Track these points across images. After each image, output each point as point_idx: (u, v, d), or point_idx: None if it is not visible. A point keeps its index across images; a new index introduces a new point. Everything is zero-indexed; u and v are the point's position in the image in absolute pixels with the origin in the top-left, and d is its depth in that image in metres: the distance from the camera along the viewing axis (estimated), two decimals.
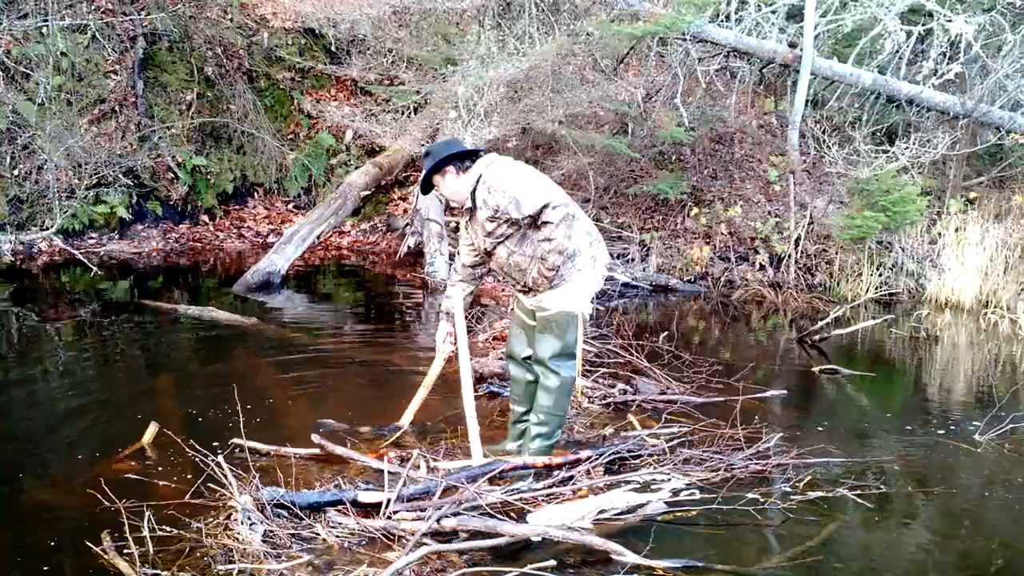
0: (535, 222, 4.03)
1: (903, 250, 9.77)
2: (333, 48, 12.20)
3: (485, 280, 5.02)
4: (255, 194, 11.90)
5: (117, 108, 10.61)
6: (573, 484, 4.09)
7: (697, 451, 4.58)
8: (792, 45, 10.86)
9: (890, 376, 7.18)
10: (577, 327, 4.29)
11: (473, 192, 4.16)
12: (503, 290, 8.08)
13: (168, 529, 3.47)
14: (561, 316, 4.21)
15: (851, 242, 9.48)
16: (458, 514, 3.58)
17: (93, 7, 10.68)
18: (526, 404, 4.49)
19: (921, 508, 4.32)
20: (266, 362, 6.45)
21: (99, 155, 9.92)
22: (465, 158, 4.21)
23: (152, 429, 4.49)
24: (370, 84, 11.69)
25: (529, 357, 4.41)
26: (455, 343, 4.58)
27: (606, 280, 4.55)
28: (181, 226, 10.97)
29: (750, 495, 4.11)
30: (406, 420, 4.83)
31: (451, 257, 9.61)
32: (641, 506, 3.90)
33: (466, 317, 4.72)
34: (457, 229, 10.78)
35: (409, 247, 10.28)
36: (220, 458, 3.76)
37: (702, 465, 4.41)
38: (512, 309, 4.60)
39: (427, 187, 4.36)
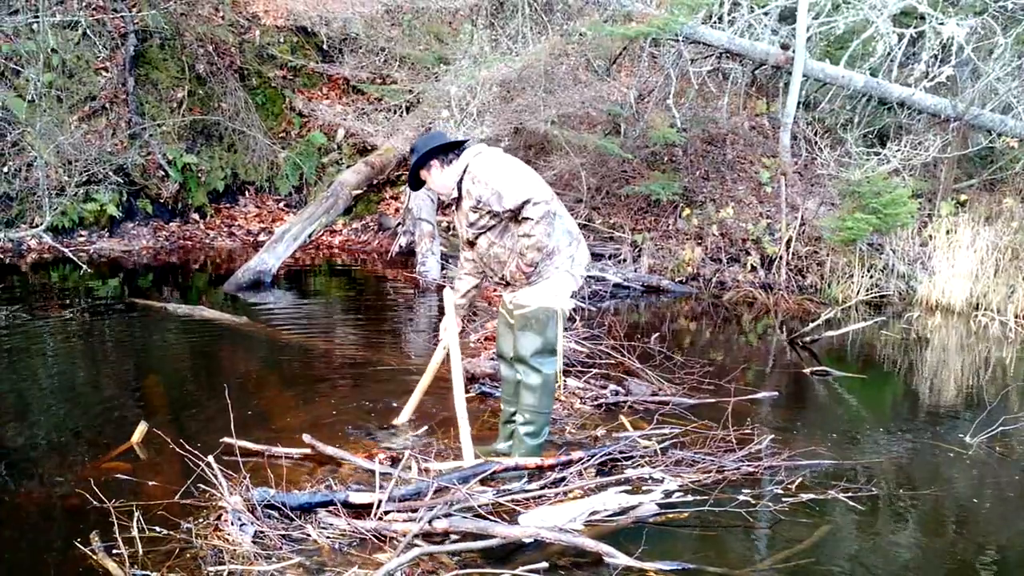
0: (516, 216, 4.04)
1: (894, 252, 9.79)
2: (325, 46, 12.19)
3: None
4: (246, 192, 11.86)
5: (108, 105, 10.56)
6: (565, 485, 4.08)
7: (689, 453, 4.59)
8: (784, 47, 10.89)
9: (881, 378, 7.20)
10: (557, 323, 4.28)
11: (460, 182, 4.17)
12: (494, 290, 8.06)
13: (158, 530, 3.45)
14: (540, 312, 4.20)
15: (842, 244, 9.49)
16: (450, 515, 3.57)
17: (84, 4, 10.63)
18: (517, 404, 4.47)
19: (911, 510, 4.33)
20: (256, 361, 6.43)
21: (89, 152, 9.86)
22: (449, 150, 4.21)
23: (142, 428, 4.46)
24: (362, 83, 11.68)
25: None
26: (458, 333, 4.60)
27: (598, 280, 4.55)
28: (171, 224, 10.92)
29: (742, 497, 4.12)
30: (403, 419, 4.83)
31: (443, 257, 9.60)
32: (633, 508, 3.89)
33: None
34: (448, 228, 10.81)
35: (401, 246, 10.27)
36: (210, 458, 3.73)
37: (694, 467, 4.41)
38: (500, 309, 4.60)
39: (415, 183, 4.36)
